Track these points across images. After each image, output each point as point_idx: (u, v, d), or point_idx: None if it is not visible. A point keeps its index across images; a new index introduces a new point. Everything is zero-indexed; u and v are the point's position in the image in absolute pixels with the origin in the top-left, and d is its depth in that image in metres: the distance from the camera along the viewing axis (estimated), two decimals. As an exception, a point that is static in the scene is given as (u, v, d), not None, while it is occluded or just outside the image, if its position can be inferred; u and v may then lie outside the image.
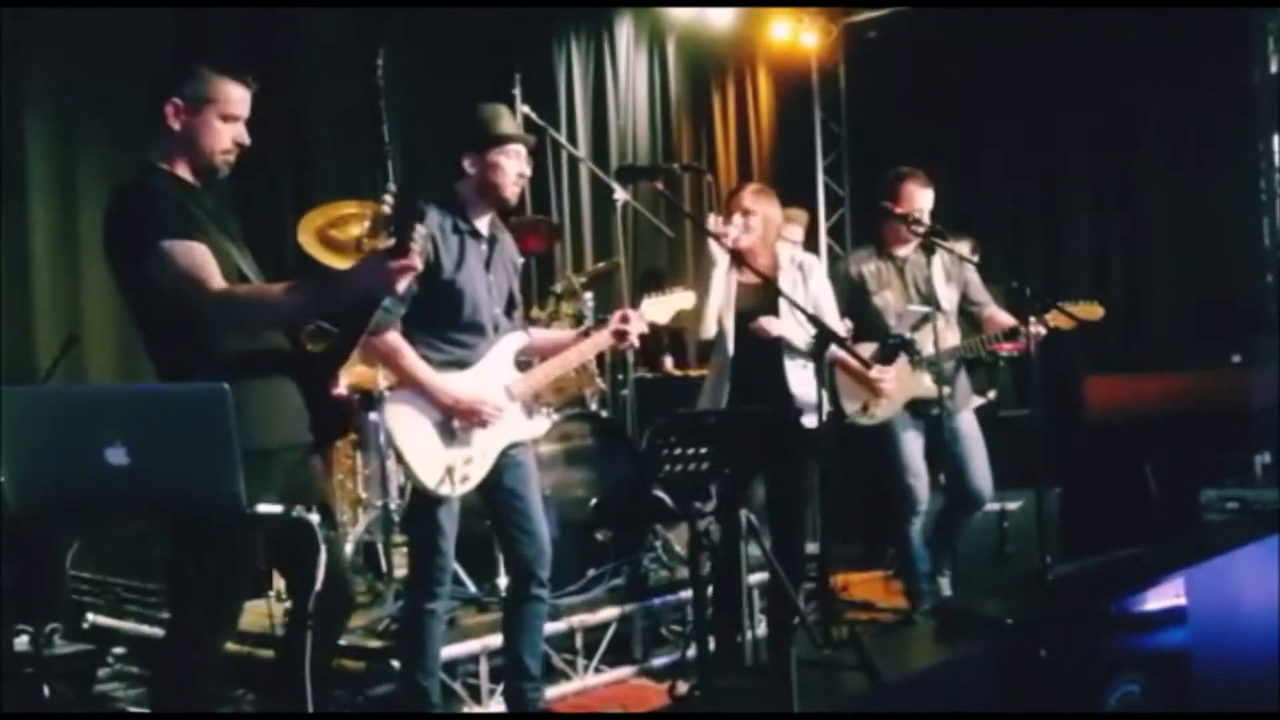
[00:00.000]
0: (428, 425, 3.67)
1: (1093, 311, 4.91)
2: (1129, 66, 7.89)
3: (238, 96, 2.99)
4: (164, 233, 2.81)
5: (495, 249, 3.86)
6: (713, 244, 4.31)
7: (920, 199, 4.98)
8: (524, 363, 3.98)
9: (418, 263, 2.72)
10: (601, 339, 3.95)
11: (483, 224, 3.82)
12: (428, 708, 3.78)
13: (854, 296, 5.06)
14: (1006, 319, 5.05)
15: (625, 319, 3.94)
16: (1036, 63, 8.20)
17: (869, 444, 6.79)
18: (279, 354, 2.99)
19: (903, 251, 5.10)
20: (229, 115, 2.97)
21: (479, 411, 3.69)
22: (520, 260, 4.10)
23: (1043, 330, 4.75)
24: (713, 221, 4.38)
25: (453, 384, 3.69)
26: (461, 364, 3.75)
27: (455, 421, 3.69)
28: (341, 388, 3.02)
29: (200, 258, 2.82)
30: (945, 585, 5.20)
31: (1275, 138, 7.42)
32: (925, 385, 4.96)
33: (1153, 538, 5.63)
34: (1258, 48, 7.47)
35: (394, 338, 3.65)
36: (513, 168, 3.76)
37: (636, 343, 4.01)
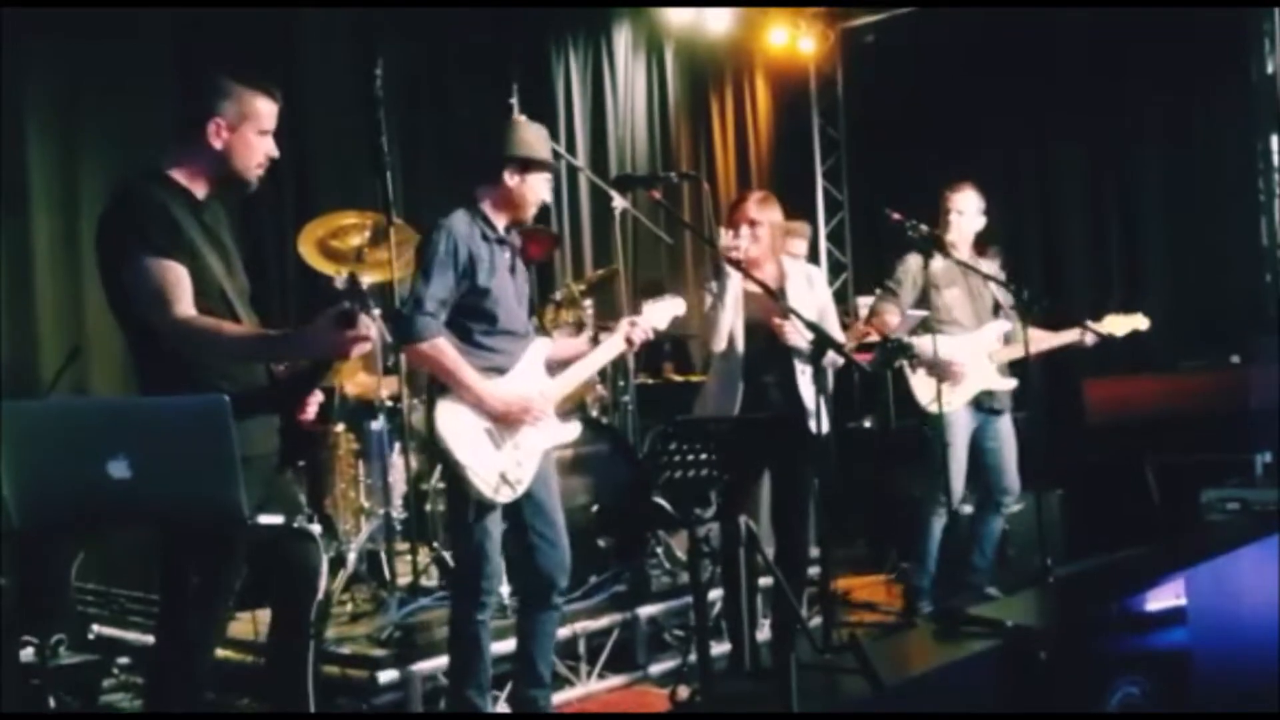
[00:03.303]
0: (479, 432, 3.72)
1: (1139, 322, 5.32)
2: (1127, 69, 7.90)
3: (269, 111, 3.06)
4: (144, 248, 2.84)
5: (515, 255, 3.92)
6: (723, 260, 4.36)
7: (960, 203, 5.32)
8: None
9: (372, 333, 2.77)
10: (616, 342, 4.01)
11: (503, 232, 3.88)
12: None
13: (924, 291, 5.23)
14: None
15: (633, 323, 4.01)
16: (1034, 66, 8.22)
17: (873, 448, 6.85)
18: (255, 377, 3.02)
19: (962, 254, 5.30)
20: (263, 130, 3.04)
21: (530, 410, 3.74)
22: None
23: (1087, 342, 5.25)
24: (726, 237, 4.45)
25: (500, 388, 3.74)
26: (500, 369, 3.80)
27: (501, 427, 3.74)
28: (311, 410, 3.05)
29: (173, 278, 2.84)
30: (995, 592, 5.32)
31: (1273, 138, 7.42)
32: (994, 377, 5.27)
33: (1154, 539, 5.64)
34: (1255, 48, 7.48)
35: (442, 343, 3.69)
36: (544, 192, 3.86)
37: (637, 345, 4.07)
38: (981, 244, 5.54)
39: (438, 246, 3.69)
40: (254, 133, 3.02)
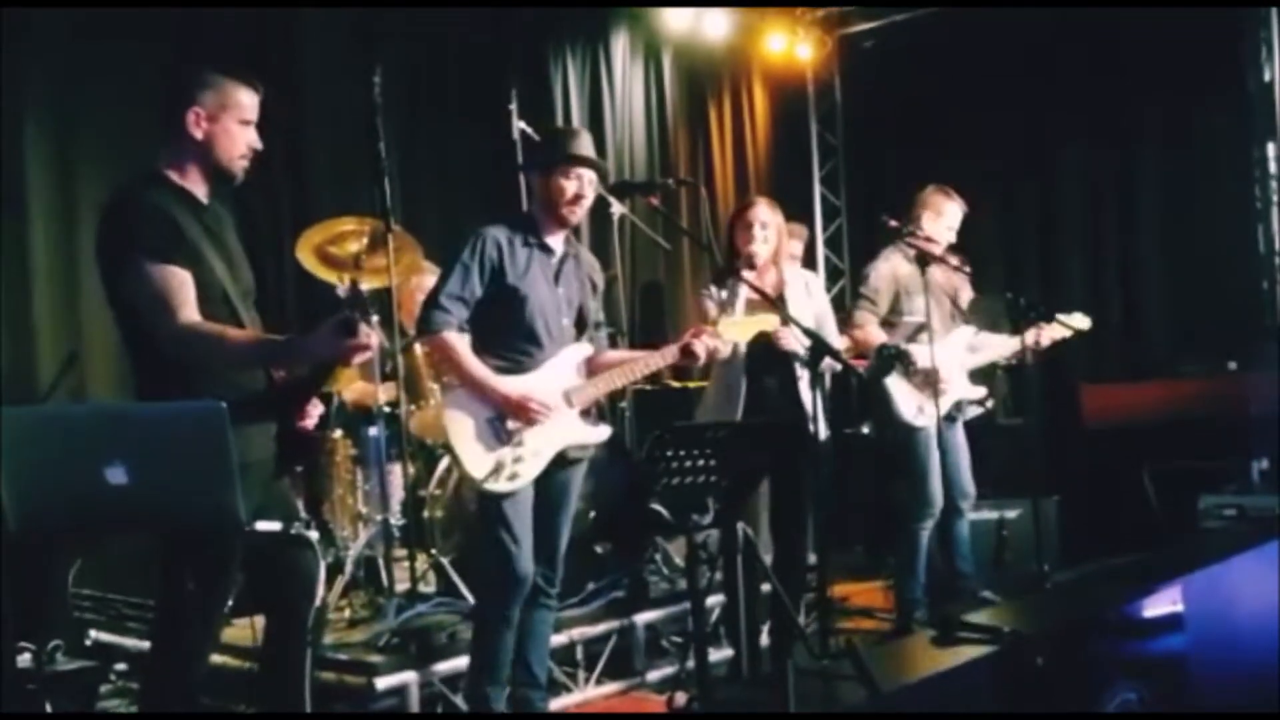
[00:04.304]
0: (480, 421, 3.75)
1: (1081, 322, 5.35)
2: (1125, 76, 7.91)
3: (250, 101, 3.06)
4: (145, 253, 2.84)
5: (566, 265, 3.94)
6: (745, 273, 4.40)
7: (953, 217, 5.29)
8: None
9: (373, 342, 2.80)
10: (669, 353, 3.98)
11: (554, 241, 3.91)
12: None
13: (896, 297, 5.21)
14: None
15: (697, 334, 3.97)
16: (1032, 72, 8.23)
17: (871, 454, 6.85)
18: (253, 382, 3.02)
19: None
20: (245, 120, 3.04)
21: (527, 408, 3.74)
22: (601, 282, 4.19)
23: (1043, 343, 5.26)
24: (752, 246, 4.49)
25: (504, 382, 3.77)
26: (522, 369, 3.83)
27: (508, 420, 3.76)
28: (312, 419, 3.05)
29: (175, 284, 2.84)
30: (991, 595, 5.29)
31: (1270, 145, 7.44)
32: (968, 386, 5.28)
33: (1151, 545, 5.65)
34: (1252, 56, 7.50)
35: (451, 336, 3.76)
36: (570, 188, 3.85)
37: (703, 359, 4.03)
38: (970, 248, 5.54)
39: (464, 248, 3.80)
40: (234, 122, 3.02)
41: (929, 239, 5.15)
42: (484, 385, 3.75)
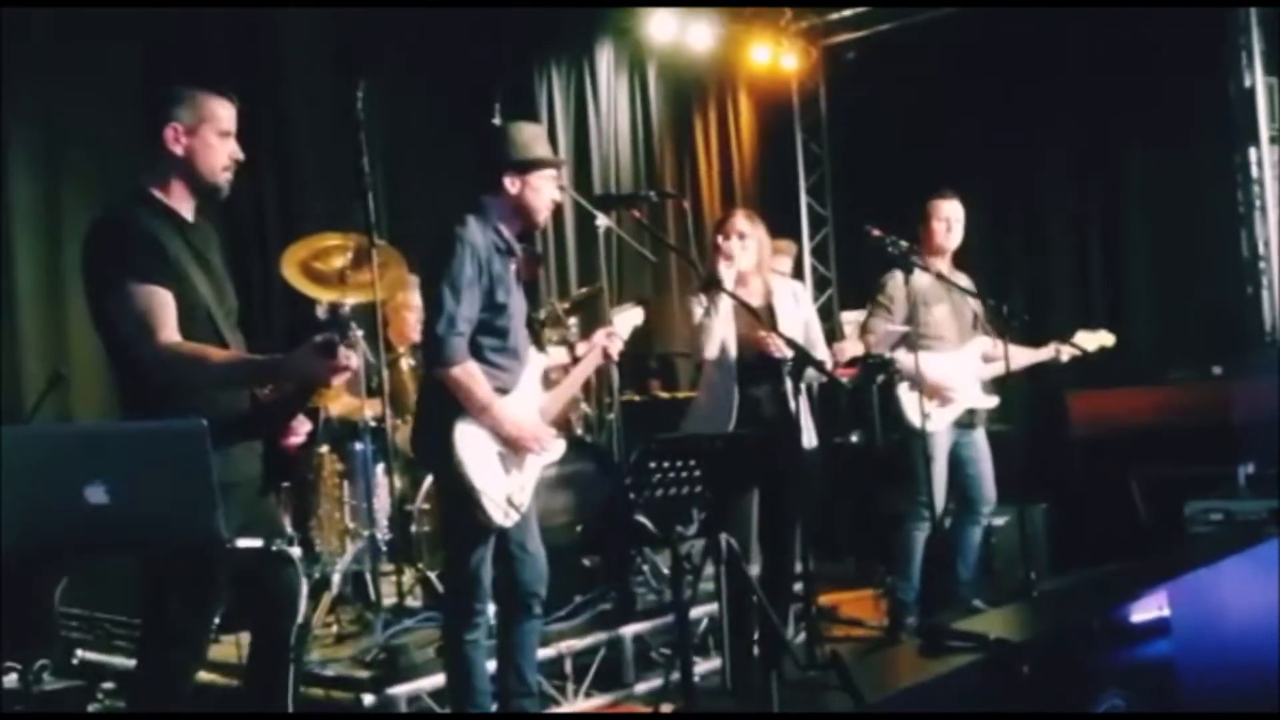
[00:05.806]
0: (493, 456, 3.68)
1: (1105, 339, 5.49)
2: (1109, 82, 7.95)
3: (227, 113, 3.05)
4: (128, 273, 2.84)
5: (519, 268, 3.85)
6: (721, 268, 4.42)
7: (950, 211, 5.35)
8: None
9: (354, 362, 2.80)
10: (594, 356, 3.99)
11: (512, 240, 3.81)
12: None
13: (913, 311, 5.21)
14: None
15: (610, 334, 4.00)
16: (1016, 79, 8.27)
17: (860, 464, 6.86)
18: (236, 401, 3.02)
19: (942, 268, 5.36)
20: (224, 132, 3.03)
21: (543, 438, 3.73)
22: None
23: (1063, 357, 5.40)
24: (722, 246, 4.50)
25: (514, 413, 3.69)
26: (505, 388, 3.74)
27: (512, 449, 3.70)
28: (301, 434, 3.05)
29: (157, 304, 2.84)
30: (980, 604, 5.30)
31: (1251, 151, 7.47)
32: (979, 396, 5.34)
33: (1138, 551, 5.67)
34: (1233, 62, 7.54)
35: (473, 366, 3.61)
36: (550, 192, 3.78)
37: (616, 355, 4.05)
38: (958, 257, 5.56)
39: (464, 262, 3.59)
40: (213, 135, 3.01)
41: (911, 248, 5.17)
42: (499, 417, 3.63)
